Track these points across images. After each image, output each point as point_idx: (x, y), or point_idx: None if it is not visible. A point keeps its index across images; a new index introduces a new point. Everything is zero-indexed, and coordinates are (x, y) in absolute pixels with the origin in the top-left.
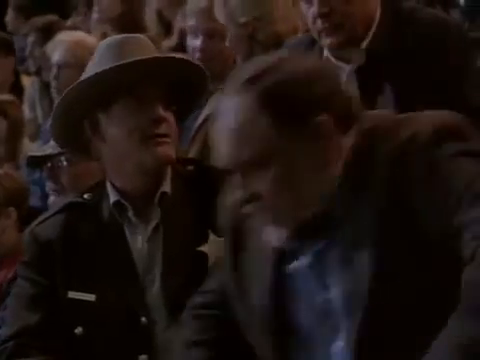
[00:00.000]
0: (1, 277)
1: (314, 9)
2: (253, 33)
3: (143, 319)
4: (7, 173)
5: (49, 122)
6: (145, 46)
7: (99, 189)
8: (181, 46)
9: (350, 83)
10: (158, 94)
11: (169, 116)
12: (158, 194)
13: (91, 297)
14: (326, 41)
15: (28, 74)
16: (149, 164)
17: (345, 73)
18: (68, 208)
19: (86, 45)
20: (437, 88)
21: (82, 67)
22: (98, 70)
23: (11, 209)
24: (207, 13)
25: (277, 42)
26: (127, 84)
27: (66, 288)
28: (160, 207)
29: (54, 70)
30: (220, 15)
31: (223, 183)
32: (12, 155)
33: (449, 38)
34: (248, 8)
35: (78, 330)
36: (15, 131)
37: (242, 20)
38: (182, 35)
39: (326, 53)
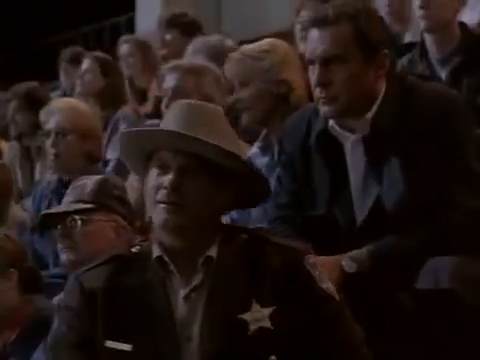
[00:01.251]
0: (3, 339)
1: (315, 77)
2: (288, 92)
3: None
4: (6, 234)
5: (42, 184)
6: (204, 122)
7: (147, 243)
8: (156, 113)
9: (355, 151)
10: (180, 163)
11: (188, 185)
12: (203, 257)
13: (128, 347)
14: (323, 109)
15: (6, 139)
16: (159, 226)
17: (349, 141)
18: (114, 260)
19: (81, 111)
20: (442, 160)
21: (78, 132)
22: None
23: (12, 271)
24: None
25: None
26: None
27: (105, 337)
28: (203, 270)
29: (52, 136)
30: (245, 67)
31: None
32: (1, 217)
33: (452, 113)
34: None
35: None
36: (4, 194)
37: (280, 77)
38: (157, 102)
39: (331, 122)
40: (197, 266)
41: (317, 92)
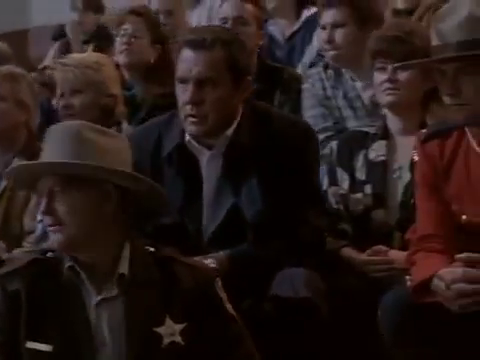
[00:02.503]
0: None
1: (187, 94)
2: (114, 106)
3: None
4: None
5: None
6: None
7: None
8: None
9: (211, 166)
10: (49, 186)
11: (62, 206)
12: (116, 274)
13: (48, 348)
14: (190, 128)
15: None
16: (54, 249)
17: (206, 156)
18: (33, 263)
19: None
20: (295, 181)
21: None
22: None
23: None
24: None
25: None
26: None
27: (26, 338)
28: (117, 285)
29: None
30: (81, 76)
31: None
32: None
33: (305, 140)
34: None
35: None
36: None
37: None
38: None
39: (188, 137)
40: (110, 279)
41: (187, 109)
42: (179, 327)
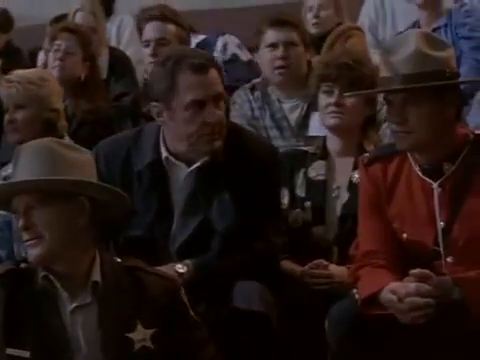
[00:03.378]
0: None
1: (215, 115)
2: (56, 120)
3: None
4: None
5: None
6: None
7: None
8: None
9: (186, 181)
10: (25, 204)
11: (40, 221)
12: (90, 282)
13: (26, 354)
14: (208, 146)
15: None
16: (32, 263)
17: (183, 173)
18: (8, 274)
19: None
20: (260, 199)
21: None
22: None
23: None
24: None
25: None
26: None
27: (5, 345)
28: (91, 292)
29: None
30: (24, 92)
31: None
32: None
33: (273, 162)
34: None
35: None
36: None
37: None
38: None
39: (165, 153)
40: (84, 287)
41: (207, 129)
42: (149, 332)
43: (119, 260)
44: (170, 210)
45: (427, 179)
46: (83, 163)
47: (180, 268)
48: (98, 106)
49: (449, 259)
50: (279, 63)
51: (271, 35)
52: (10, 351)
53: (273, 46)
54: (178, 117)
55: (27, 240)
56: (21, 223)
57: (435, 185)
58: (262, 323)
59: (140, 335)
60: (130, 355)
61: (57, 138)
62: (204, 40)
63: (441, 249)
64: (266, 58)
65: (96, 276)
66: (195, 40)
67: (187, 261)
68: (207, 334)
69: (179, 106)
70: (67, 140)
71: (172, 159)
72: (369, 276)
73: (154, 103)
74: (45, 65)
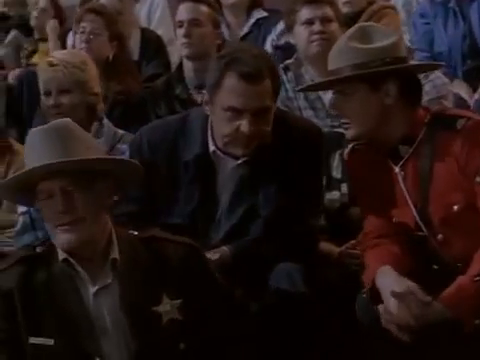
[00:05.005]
0: None
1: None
2: (96, 104)
3: None
4: None
5: None
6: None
7: (51, 244)
8: None
9: (233, 173)
10: (62, 185)
11: (82, 203)
12: (109, 260)
13: (50, 342)
14: (241, 152)
15: None
16: (63, 248)
17: (230, 165)
18: (23, 261)
19: None
20: (302, 183)
21: None
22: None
23: None
24: None
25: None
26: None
27: (28, 334)
28: (111, 271)
29: None
30: (69, 76)
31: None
32: None
33: (317, 146)
34: None
35: None
36: None
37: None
38: None
39: (213, 147)
40: (104, 266)
41: (242, 137)
42: (176, 303)
43: (135, 233)
44: (214, 200)
45: (392, 163)
46: (97, 143)
47: (213, 255)
48: (129, 87)
49: (439, 237)
50: (316, 37)
51: (306, 12)
52: (33, 340)
53: (309, 23)
54: (218, 114)
55: (65, 224)
56: (61, 207)
57: (397, 169)
58: (306, 304)
59: (167, 307)
60: (159, 330)
61: (97, 121)
62: (265, 18)
63: (424, 229)
64: (302, 35)
65: (114, 253)
66: (258, 15)
67: (224, 247)
68: (230, 295)
69: (220, 105)
70: (106, 122)
71: (220, 153)
72: (366, 268)
73: (204, 91)
74: (73, 47)
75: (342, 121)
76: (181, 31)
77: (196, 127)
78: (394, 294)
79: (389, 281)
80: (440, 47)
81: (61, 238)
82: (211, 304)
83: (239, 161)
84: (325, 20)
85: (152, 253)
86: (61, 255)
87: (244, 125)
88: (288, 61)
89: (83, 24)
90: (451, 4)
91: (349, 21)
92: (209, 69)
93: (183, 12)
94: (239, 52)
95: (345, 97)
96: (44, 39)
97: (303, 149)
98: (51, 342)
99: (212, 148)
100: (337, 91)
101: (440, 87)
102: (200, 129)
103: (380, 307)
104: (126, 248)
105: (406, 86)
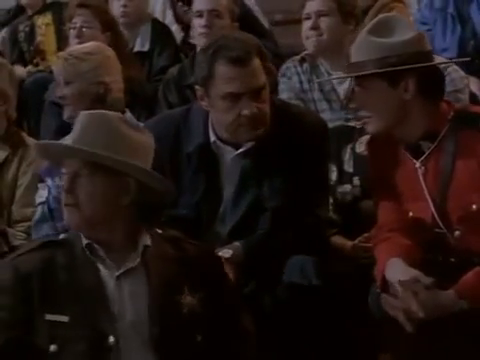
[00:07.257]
0: None
1: (251, 107)
2: (105, 93)
3: (111, 339)
4: None
5: None
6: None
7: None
8: None
9: (234, 163)
10: (77, 167)
11: (83, 189)
12: (140, 247)
13: (65, 318)
14: (247, 137)
15: None
16: (67, 227)
17: (230, 156)
18: (46, 246)
19: None
20: (308, 174)
21: None
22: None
23: None
24: None
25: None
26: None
27: (44, 312)
28: (141, 257)
29: None
30: (69, 67)
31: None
32: None
33: (320, 136)
34: None
35: (52, 348)
36: None
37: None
38: None
39: (213, 137)
40: (132, 252)
41: (242, 120)
42: (197, 296)
43: (160, 231)
44: (218, 191)
45: (412, 158)
46: (147, 146)
47: (226, 253)
48: (130, 74)
49: (456, 234)
50: (310, 33)
51: (306, 6)
52: (49, 317)
53: (307, 17)
54: (217, 105)
55: (66, 204)
56: (65, 186)
57: (418, 164)
58: (319, 298)
59: (188, 299)
60: (179, 318)
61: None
62: None
63: (441, 226)
64: (303, 29)
65: (146, 240)
66: None
67: (236, 243)
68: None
69: (216, 95)
70: (128, 116)
71: (220, 143)
72: (377, 261)
73: (197, 87)
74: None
75: (361, 114)
76: (200, 21)
77: (198, 119)
78: (400, 283)
79: (397, 272)
80: (438, 53)
81: (65, 216)
82: (228, 302)
83: (239, 150)
84: (319, 14)
85: (176, 249)
86: (84, 240)
87: (245, 107)
88: (306, 52)
89: (74, 20)
90: (449, 10)
91: (359, 14)
92: (196, 64)
93: (202, 2)
94: (222, 40)
95: (365, 91)
96: (38, 12)
97: (306, 140)
98: (65, 319)
99: (213, 138)
100: (357, 84)
101: (457, 80)
102: (202, 121)
103: (382, 296)
104: (155, 241)
105: (425, 81)
